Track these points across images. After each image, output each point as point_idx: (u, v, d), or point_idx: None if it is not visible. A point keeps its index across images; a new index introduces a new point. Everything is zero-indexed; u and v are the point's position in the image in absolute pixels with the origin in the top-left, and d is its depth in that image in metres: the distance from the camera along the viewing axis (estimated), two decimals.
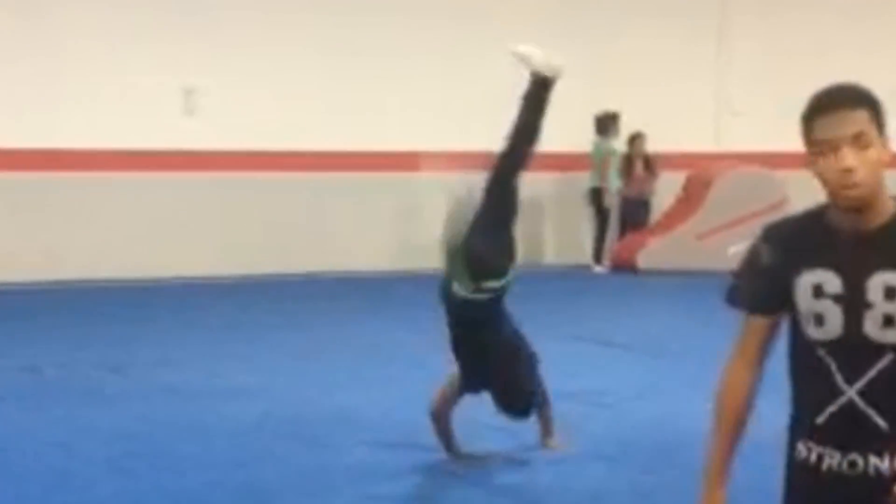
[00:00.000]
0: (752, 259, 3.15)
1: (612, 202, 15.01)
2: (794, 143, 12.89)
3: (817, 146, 2.96)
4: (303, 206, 14.09)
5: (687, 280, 13.30)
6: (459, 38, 14.66)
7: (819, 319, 2.94)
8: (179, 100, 13.57)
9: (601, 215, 15.04)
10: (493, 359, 6.16)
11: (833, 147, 2.92)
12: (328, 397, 7.82)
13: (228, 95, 13.63)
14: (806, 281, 2.96)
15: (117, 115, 13.24)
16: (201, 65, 13.59)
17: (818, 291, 2.94)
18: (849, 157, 2.89)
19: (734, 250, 14.23)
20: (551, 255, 15.49)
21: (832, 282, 2.93)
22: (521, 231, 15.51)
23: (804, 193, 13.67)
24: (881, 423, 2.91)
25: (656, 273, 14.09)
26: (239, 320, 10.93)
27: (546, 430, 6.58)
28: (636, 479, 6.16)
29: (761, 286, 3.07)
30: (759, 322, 3.09)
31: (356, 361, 9.01)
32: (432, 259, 14.56)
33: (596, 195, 15.04)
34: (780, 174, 15.02)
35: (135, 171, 13.35)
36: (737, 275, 3.18)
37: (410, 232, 14.58)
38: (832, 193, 2.94)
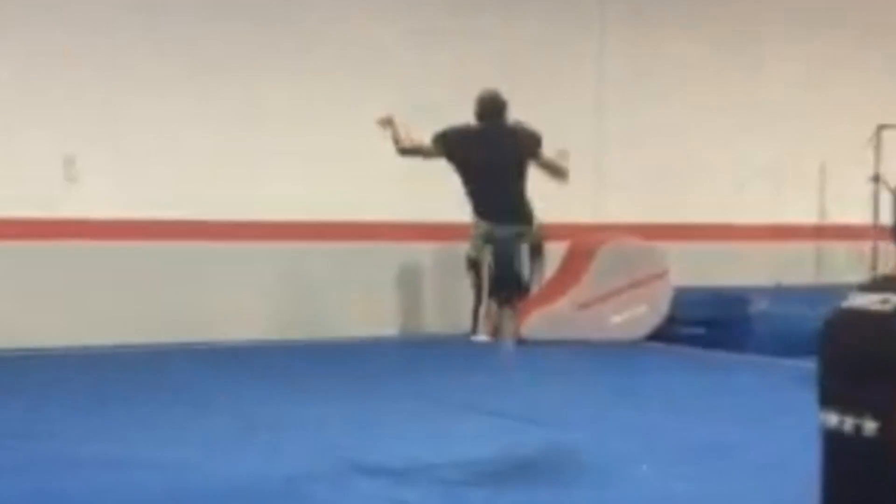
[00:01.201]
0: None
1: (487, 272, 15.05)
2: (669, 214, 13.18)
3: None
4: (184, 275, 13.97)
5: (571, 349, 13.42)
6: (348, 100, 14.71)
7: None
8: (60, 167, 13.40)
9: (478, 284, 15.06)
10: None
11: None
12: (208, 468, 7.70)
13: (110, 163, 13.51)
14: None
15: None
16: (82, 132, 13.45)
17: None
18: None
19: (618, 320, 14.50)
20: (431, 323, 15.51)
21: None
22: (401, 300, 15.67)
23: (682, 265, 13.99)
24: None
25: (540, 343, 14.15)
26: (108, 390, 10.73)
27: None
28: None
29: None
30: None
31: (244, 430, 8.91)
32: (313, 329, 14.60)
33: (474, 264, 15.07)
34: (661, 245, 15.28)
35: (10, 240, 13.15)
36: None
37: (290, 301, 14.54)
38: None
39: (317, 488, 7.20)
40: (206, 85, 14.10)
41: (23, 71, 13.29)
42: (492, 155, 9.42)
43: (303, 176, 14.49)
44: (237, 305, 14.18)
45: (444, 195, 14.69)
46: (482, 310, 15.21)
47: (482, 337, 15.03)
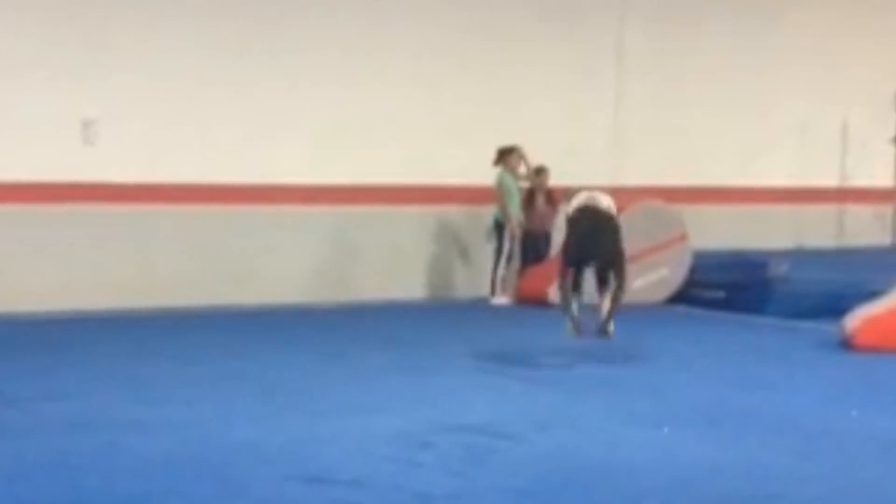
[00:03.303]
0: None
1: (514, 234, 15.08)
2: (688, 178, 13.15)
3: None
4: (204, 239, 14.00)
5: (594, 313, 13.40)
6: (358, 72, 14.70)
7: None
8: (78, 131, 13.41)
9: (499, 247, 15.10)
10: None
11: None
12: (229, 431, 7.74)
13: (127, 127, 13.51)
14: None
15: (13, 146, 13.07)
16: (100, 96, 13.45)
17: None
18: None
19: (641, 283, 14.48)
20: (457, 287, 15.54)
21: None
22: (426, 263, 15.73)
23: (702, 228, 14.03)
24: None
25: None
26: (135, 353, 10.78)
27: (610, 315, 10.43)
28: None
29: None
30: None
31: (256, 395, 8.94)
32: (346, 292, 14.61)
33: (499, 227, 15.12)
34: (681, 208, 15.25)
35: (30, 203, 13.17)
36: None
37: (318, 264, 14.56)
38: None
39: (329, 450, 7.22)
40: (227, 52, 14.07)
41: (41, 34, 13.28)
42: None
43: (330, 140, 14.51)
44: (265, 269, 14.20)
45: (476, 158, 14.81)
46: (499, 273, 15.27)
47: (502, 300, 15.08)
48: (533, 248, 15.33)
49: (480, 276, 15.28)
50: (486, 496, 6.35)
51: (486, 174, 14.72)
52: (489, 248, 15.22)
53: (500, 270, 15.12)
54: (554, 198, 15.24)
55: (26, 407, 8.46)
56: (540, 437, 7.69)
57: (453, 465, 6.92)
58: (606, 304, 10.78)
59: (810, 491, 6.58)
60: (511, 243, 15.08)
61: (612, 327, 10.71)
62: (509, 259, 15.14)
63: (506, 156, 14.95)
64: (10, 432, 7.69)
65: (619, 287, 10.70)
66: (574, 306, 10.73)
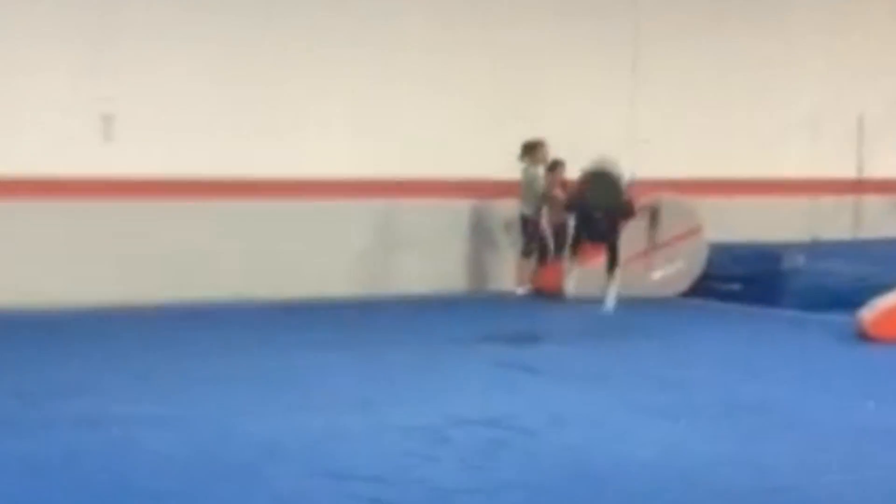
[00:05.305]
0: None
1: (544, 227, 15.16)
2: (703, 170, 13.14)
3: None
4: (222, 233, 14.04)
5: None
6: (375, 65, 14.73)
7: None
8: (98, 126, 13.47)
9: (531, 241, 15.13)
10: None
11: None
12: (248, 427, 7.78)
13: (147, 122, 13.57)
14: None
15: (33, 142, 13.13)
16: (120, 91, 13.50)
17: None
18: None
19: (658, 276, 14.50)
20: (492, 279, 15.61)
21: None
22: (464, 256, 15.80)
23: (715, 220, 13.98)
24: None
25: (582, 299, 14.15)
26: (153, 349, 10.81)
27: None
28: None
29: None
30: None
31: (274, 391, 8.98)
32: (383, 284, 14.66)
33: (526, 221, 15.14)
34: (694, 201, 15.25)
35: (50, 198, 13.23)
36: None
37: (326, 257, 14.60)
38: None
39: (348, 445, 7.26)
40: (244, 45, 14.12)
41: (60, 30, 13.33)
42: None
43: (349, 134, 14.57)
44: (290, 263, 14.26)
45: (483, 150, 14.86)
46: (528, 262, 15.37)
47: (522, 290, 15.14)
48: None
49: (514, 268, 15.45)
50: (503, 491, 6.39)
51: (515, 168, 14.84)
52: (507, 241, 15.36)
53: (527, 260, 15.21)
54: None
55: (41, 403, 8.47)
56: (556, 431, 7.73)
57: (471, 460, 6.97)
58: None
59: (826, 483, 6.61)
60: (538, 236, 15.13)
61: (610, 303, 11.17)
62: (530, 252, 15.19)
63: (532, 150, 14.98)
64: (24, 428, 7.70)
65: (613, 247, 11.98)
66: (574, 271, 11.43)
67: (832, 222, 17.32)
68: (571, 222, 13.27)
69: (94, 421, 7.87)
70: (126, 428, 7.67)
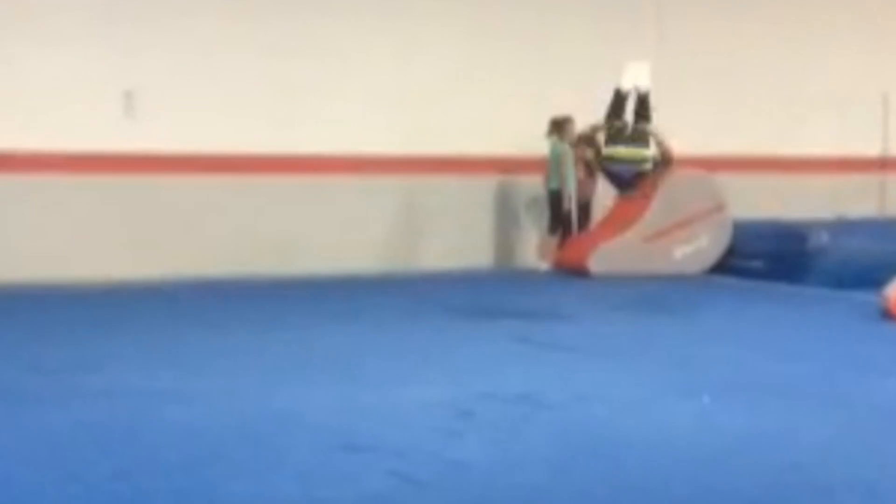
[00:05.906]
0: None
1: (571, 204, 15.14)
2: (727, 147, 13.11)
3: None
4: (244, 208, 14.06)
5: (635, 283, 13.44)
6: (400, 41, 14.70)
7: None
8: (120, 101, 13.48)
9: (559, 217, 15.12)
10: None
11: None
12: (269, 400, 7.77)
13: (169, 98, 13.57)
14: None
15: (55, 117, 13.15)
16: (142, 67, 13.51)
17: None
18: None
19: (681, 253, 14.46)
20: (519, 255, 15.61)
21: None
22: (491, 232, 15.86)
23: (739, 198, 13.95)
24: None
25: (606, 276, 14.15)
26: (169, 323, 10.84)
27: None
28: (581, 486, 6.14)
29: None
30: None
31: (297, 365, 8.97)
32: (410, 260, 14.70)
33: (555, 197, 15.13)
34: (718, 178, 15.20)
35: (72, 173, 13.25)
36: None
37: (355, 234, 14.60)
38: None
39: (369, 419, 7.25)
40: (268, 22, 14.10)
41: (83, 5, 13.34)
42: None
43: (372, 111, 14.56)
44: (316, 239, 14.27)
45: (506, 126, 14.83)
46: (542, 239, 15.37)
47: (543, 265, 15.15)
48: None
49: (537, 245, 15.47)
50: (524, 466, 6.36)
51: (542, 144, 14.82)
52: (532, 218, 15.39)
53: (552, 237, 15.24)
54: (593, 168, 15.21)
55: (63, 376, 8.48)
56: (579, 407, 7.70)
57: (493, 435, 6.94)
58: None
59: (851, 461, 6.56)
60: (568, 211, 15.13)
61: None
62: (555, 228, 15.20)
63: (560, 126, 14.94)
64: (47, 402, 7.71)
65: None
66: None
67: (857, 200, 17.23)
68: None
69: (116, 393, 7.88)
70: (149, 401, 7.68)
